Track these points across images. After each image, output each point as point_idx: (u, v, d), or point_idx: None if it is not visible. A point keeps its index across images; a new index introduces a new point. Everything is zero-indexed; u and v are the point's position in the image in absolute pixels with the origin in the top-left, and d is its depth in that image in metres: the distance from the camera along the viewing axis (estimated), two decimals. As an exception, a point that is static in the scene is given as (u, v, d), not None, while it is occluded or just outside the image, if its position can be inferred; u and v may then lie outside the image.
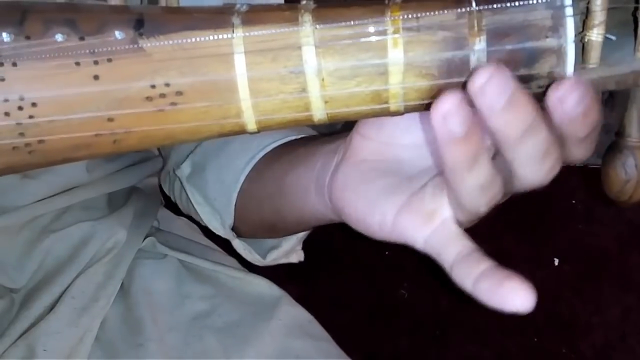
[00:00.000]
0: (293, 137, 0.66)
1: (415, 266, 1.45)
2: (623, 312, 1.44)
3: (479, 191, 0.39)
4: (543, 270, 1.49)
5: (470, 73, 0.34)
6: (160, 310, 0.75)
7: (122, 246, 0.76)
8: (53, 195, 0.74)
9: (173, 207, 0.88)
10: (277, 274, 0.82)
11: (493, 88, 0.33)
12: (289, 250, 0.73)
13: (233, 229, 0.72)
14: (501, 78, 0.33)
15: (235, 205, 0.70)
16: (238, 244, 0.73)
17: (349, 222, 0.48)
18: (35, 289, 0.73)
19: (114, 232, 0.76)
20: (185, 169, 0.74)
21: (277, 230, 0.68)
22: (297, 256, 0.76)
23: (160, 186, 0.90)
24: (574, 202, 1.57)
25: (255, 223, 0.70)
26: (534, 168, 0.38)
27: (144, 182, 0.85)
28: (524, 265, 1.49)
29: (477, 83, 0.33)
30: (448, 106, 0.33)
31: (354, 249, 1.41)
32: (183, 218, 0.88)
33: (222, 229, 0.72)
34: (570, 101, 0.34)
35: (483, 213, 0.42)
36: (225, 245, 0.86)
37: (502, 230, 1.50)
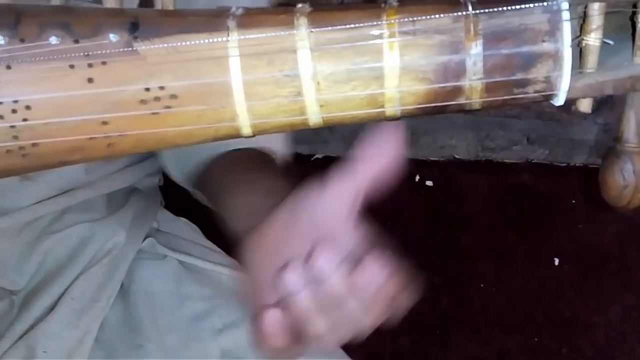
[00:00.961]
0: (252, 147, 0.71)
1: (415, 265, 1.45)
2: (624, 311, 1.45)
3: None
4: (543, 269, 1.49)
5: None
6: (160, 311, 0.75)
7: (121, 247, 0.76)
8: (52, 197, 0.74)
9: (173, 207, 0.88)
10: (277, 274, 0.82)
11: None
12: None
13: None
14: None
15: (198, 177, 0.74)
16: (196, 193, 0.76)
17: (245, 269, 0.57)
18: (35, 290, 0.73)
19: (114, 233, 0.76)
20: None
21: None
22: None
23: (160, 187, 0.89)
24: (574, 202, 1.57)
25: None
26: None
27: (144, 182, 0.85)
28: (524, 265, 1.50)
29: None
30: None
31: (354, 249, 1.41)
32: (183, 219, 0.88)
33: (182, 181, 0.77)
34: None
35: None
36: (225, 246, 0.86)
37: (503, 230, 1.51)
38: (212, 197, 0.72)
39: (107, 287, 0.74)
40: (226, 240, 0.83)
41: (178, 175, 0.77)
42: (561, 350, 1.42)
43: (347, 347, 0.78)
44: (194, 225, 0.89)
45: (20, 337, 0.69)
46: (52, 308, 0.71)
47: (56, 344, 0.69)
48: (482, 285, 1.48)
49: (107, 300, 0.73)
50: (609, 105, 1.44)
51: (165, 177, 0.90)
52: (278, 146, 0.76)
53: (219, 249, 0.85)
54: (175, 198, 0.92)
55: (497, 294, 1.47)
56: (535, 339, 1.43)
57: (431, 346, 1.41)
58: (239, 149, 0.71)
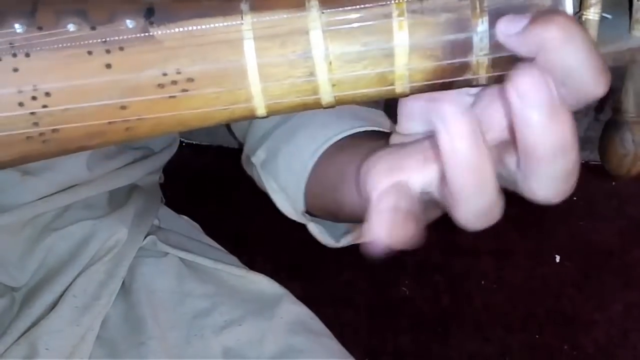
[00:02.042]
0: (361, 129, 0.65)
1: (416, 263, 1.46)
2: (625, 308, 1.44)
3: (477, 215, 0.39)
4: (544, 266, 1.49)
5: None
6: (162, 309, 0.76)
7: (123, 245, 0.76)
8: (54, 193, 0.75)
9: (174, 205, 0.89)
10: (278, 272, 0.83)
11: (534, 94, 0.33)
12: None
13: (307, 212, 0.71)
14: (545, 86, 0.33)
15: (305, 192, 0.68)
16: (313, 228, 0.70)
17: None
18: (36, 287, 0.73)
19: (115, 231, 0.76)
20: (260, 155, 0.72)
21: (340, 219, 0.67)
22: None
23: (160, 184, 0.90)
24: (575, 198, 1.57)
25: (322, 210, 0.69)
26: (552, 188, 0.37)
27: (145, 180, 0.85)
28: (525, 262, 1.50)
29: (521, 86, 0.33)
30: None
31: (355, 247, 1.41)
32: (184, 216, 0.88)
33: (295, 215, 0.71)
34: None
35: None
36: (226, 243, 0.86)
37: (504, 227, 1.50)
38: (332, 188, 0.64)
39: (108, 284, 0.74)
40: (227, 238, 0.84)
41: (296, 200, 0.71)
42: (562, 348, 1.42)
43: (348, 345, 0.79)
44: (195, 223, 0.89)
45: (22, 335, 0.69)
46: (53, 305, 0.71)
47: (58, 341, 0.69)
48: (483, 282, 1.48)
49: (108, 297, 0.73)
50: (610, 102, 1.44)
51: (166, 175, 0.90)
52: (380, 120, 0.68)
53: (219, 247, 0.86)
54: (176, 196, 0.92)
55: (498, 291, 1.47)
56: (537, 337, 1.43)
57: (432, 344, 1.41)
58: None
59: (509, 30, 0.35)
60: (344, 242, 0.71)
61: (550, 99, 0.33)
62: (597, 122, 1.49)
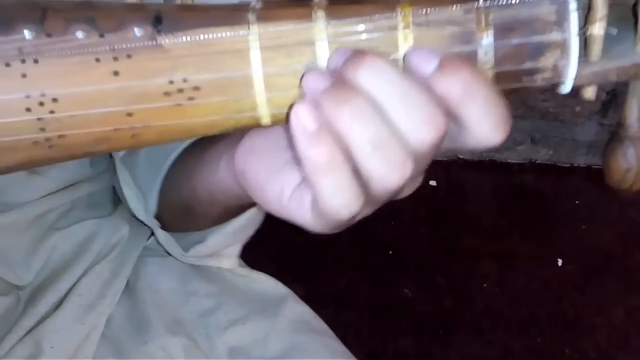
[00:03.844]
0: None
1: (418, 266, 1.46)
2: (627, 312, 1.45)
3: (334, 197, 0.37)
4: (547, 270, 1.49)
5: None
6: (166, 308, 0.76)
7: (127, 243, 0.77)
8: (58, 191, 0.75)
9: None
10: (281, 273, 0.83)
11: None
12: (216, 249, 0.71)
13: (157, 218, 0.71)
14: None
15: (160, 189, 0.68)
16: (160, 234, 0.71)
17: (248, 188, 0.45)
18: (41, 286, 0.73)
19: (119, 230, 0.76)
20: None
21: (193, 212, 0.64)
22: (230, 262, 0.75)
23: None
24: (577, 202, 1.57)
25: (173, 206, 0.68)
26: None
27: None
28: (527, 265, 1.50)
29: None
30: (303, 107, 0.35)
31: (357, 249, 1.43)
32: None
33: (144, 215, 0.70)
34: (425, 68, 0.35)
35: (342, 220, 0.39)
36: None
37: (507, 230, 1.51)
38: (186, 181, 0.63)
39: (113, 283, 0.74)
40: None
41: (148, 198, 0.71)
42: (564, 351, 1.42)
43: (350, 347, 0.79)
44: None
45: (27, 333, 0.69)
46: (58, 304, 0.72)
47: (63, 340, 0.69)
48: (485, 285, 1.48)
49: (113, 296, 0.74)
50: (613, 106, 1.45)
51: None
52: None
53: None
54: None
55: (500, 294, 1.47)
56: (538, 340, 1.43)
57: (434, 346, 1.42)
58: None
59: (420, 68, 0.35)
60: (194, 253, 0.70)
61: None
62: (601, 126, 1.49)
